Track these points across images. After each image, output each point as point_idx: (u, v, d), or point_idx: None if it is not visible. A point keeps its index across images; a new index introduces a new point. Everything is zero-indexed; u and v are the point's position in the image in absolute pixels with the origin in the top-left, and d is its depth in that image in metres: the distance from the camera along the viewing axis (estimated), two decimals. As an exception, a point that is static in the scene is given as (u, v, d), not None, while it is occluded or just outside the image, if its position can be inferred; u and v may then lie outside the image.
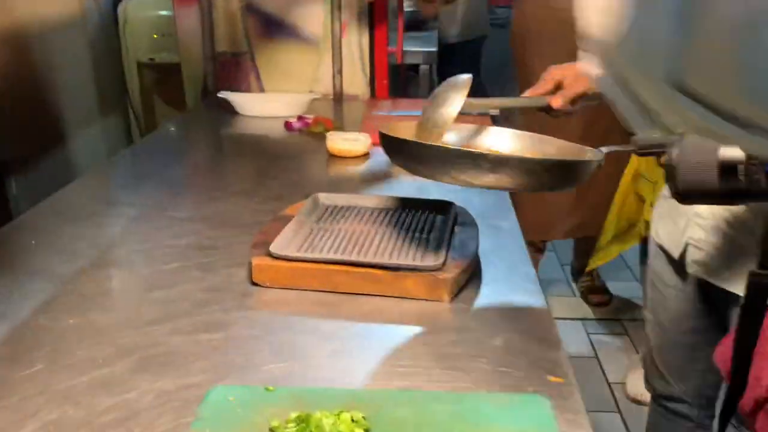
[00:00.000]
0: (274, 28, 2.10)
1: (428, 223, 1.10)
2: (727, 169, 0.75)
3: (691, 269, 1.19)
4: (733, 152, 0.76)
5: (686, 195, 0.81)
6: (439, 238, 1.02)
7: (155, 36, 2.53)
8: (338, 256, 0.97)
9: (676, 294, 1.31)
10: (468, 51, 3.52)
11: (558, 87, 1.11)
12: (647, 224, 1.91)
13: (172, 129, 1.91)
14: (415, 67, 2.93)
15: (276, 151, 1.69)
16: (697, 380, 1.37)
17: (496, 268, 1.02)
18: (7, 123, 1.71)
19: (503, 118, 1.91)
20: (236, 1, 2.08)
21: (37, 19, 1.90)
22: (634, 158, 1.93)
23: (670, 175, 0.80)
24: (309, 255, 0.97)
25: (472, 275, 0.98)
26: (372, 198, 1.18)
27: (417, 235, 1.05)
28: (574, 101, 1.11)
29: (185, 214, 1.23)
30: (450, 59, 3.29)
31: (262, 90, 2.15)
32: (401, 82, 2.79)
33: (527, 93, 1.13)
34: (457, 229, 1.06)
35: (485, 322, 0.88)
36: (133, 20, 2.56)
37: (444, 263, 0.94)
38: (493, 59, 3.48)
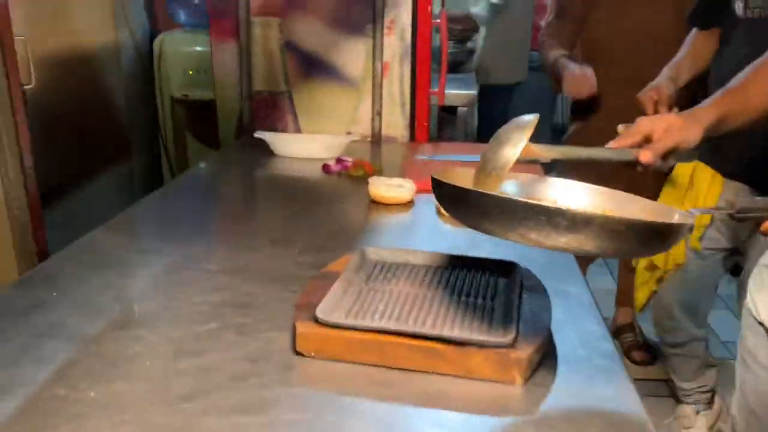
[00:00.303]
0: (314, 67, 2.02)
1: (490, 286, 0.98)
2: None
3: None
4: None
5: None
6: (506, 307, 0.90)
7: (190, 72, 2.46)
8: (394, 326, 0.85)
9: None
10: (504, 94, 3.44)
11: (647, 140, 0.99)
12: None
13: (203, 166, 1.82)
14: (452, 109, 2.83)
15: (314, 195, 1.58)
16: None
17: (571, 344, 0.89)
18: (50, 152, 1.63)
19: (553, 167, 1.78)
20: (276, 39, 2.00)
21: (76, 45, 1.83)
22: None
23: None
24: (361, 323, 0.85)
25: (546, 353, 0.85)
26: (424, 254, 1.06)
27: (480, 301, 0.93)
28: (665, 156, 0.98)
29: (219, 266, 1.12)
30: (487, 102, 3.21)
31: (299, 131, 2.06)
32: (438, 124, 2.69)
33: (613, 144, 1.00)
34: (524, 295, 0.93)
35: (567, 413, 0.75)
36: (169, 55, 2.50)
37: (515, 338, 0.81)
38: (525, 103, 3.39)
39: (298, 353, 0.84)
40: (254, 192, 1.70)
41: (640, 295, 1.90)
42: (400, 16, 1.95)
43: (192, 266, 1.12)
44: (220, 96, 2.10)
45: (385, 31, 1.95)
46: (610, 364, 0.85)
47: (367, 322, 0.85)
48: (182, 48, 2.52)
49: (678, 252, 1.73)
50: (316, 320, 0.85)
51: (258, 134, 1.89)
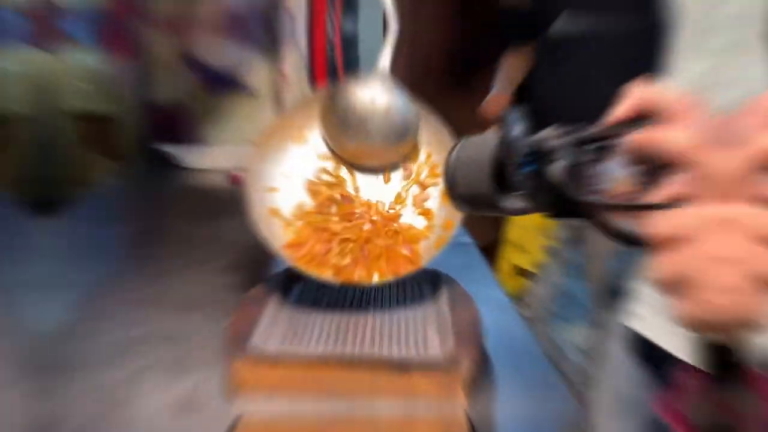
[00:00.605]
0: (215, 79, 1.84)
1: (416, 295, 0.89)
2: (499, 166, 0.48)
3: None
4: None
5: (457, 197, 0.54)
6: (439, 320, 0.81)
7: (89, 85, 2.19)
8: (332, 350, 0.74)
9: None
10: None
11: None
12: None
13: (110, 182, 1.61)
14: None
15: (226, 208, 1.42)
16: None
17: (501, 349, 0.82)
18: None
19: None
20: (175, 52, 1.80)
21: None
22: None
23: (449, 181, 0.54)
24: (299, 350, 0.74)
25: (483, 364, 0.78)
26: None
27: (411, 313, 0.84)
28: None
29: (137, 295, 0.96)
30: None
31: (204, 142, 1.88)
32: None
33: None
34: (451, 303, 0.85)
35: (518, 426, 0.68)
36: (66, 68, 2.21)
37: (455, 354, 0.73)
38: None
39: (231, 392, 0.72)
40: (162, 209, 1.51)
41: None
42: (297, 30, 1.82)
43: (107, 298, 0.96)
44: (120, 109, 1.87)
45: (283, 44, 1.81)
46: (542, 371, 0.79)
47: (305, 351, 0.74)
48: (80, 60, 2.24)
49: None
50: (250, 354, 0.72)
51: (162, 147, 1.70)
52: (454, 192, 0.52)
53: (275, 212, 0.91)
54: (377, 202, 0.90)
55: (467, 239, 1.22)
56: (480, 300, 0.92)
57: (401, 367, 0.71)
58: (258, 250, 0.98)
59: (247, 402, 0.70)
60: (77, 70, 2.20)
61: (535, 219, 1.77)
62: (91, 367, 0.77)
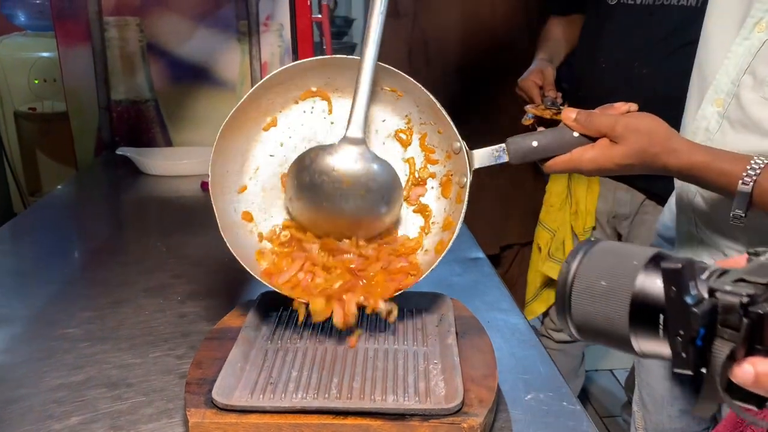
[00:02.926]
0: (182, 71, 1.79)
1: (418, 327, 0.83)
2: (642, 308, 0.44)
3: None
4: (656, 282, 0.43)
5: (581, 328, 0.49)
6: (444, 357, 0.75)
7: (36, 81, 2.14)
8: (313, 401, 0.68)
9: (661, 370, 1.12)
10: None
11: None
12: (544, 278, 1.74)
13: (61, 190, 1.55)
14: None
15: (193, 221, 1.37)
16: None
17: (522, 388, 0.76)
18: None
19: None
20: (135, 41, 1.75)
21: None
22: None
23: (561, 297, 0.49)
24: (272, 403, 0.68)
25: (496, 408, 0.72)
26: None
27: (411, 348, 0.78)
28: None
29: (83, 329, 0.90)
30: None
31: (169, 144, 1.82)
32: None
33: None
34: (459, 335, 0.79)
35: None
36: (9, 63, 2.17)
37: (463, 401, 0.67)
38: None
39: (193, 450, 0.66)
40: (120, 222, 1.46)
41: (537, 308, 1.85)
42: (277, 12, 1.77)
43: (47, 333, 0.90)
44: (73, 108, 1.82)
45: (262, 28, 1.75)
46: (567, 407, 0.73)
47: (279, 401, 0.68)
48: (24, 54, 2.20)
49: None
50: (214, 404, 0.66)
51: (121, 151, 1.65)
52: (573, 318, 0.47)
53: (249, 217, 0.85)
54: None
55: (478, 253, 1.16)
56: (494, 329, 0.87)
57: (399, 419, 0.65)
58: (230, 269, 0.92)
59: (210, 465, 0.64)
60: (22, 61, 2.15)
61: (568, 218, 1.71)
62: (25, 422, 0.71)
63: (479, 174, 0.81)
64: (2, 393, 0.77)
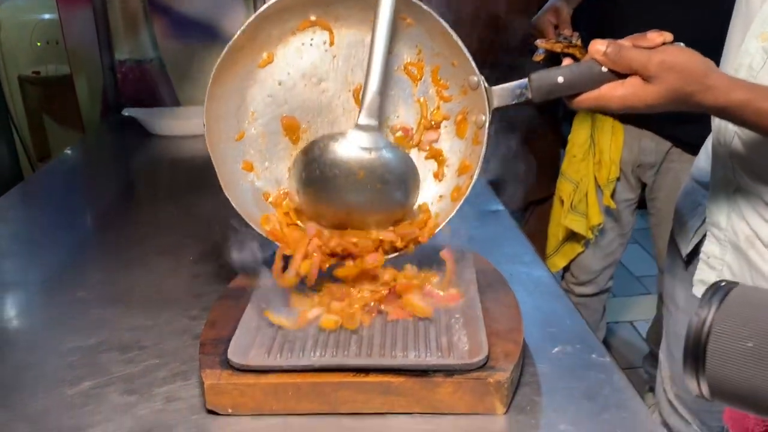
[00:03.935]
0: (186, 28, 1.74)
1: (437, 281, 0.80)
2: None
3: (700, 291, 0.96)
4: None
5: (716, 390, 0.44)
6: (466, 309, 0.73)
7: (38, 44, 2.10)
8: (333, 359, 0.66)
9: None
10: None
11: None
12: (566, 231, 1.70)
13: (68, 154, 1.53)
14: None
15: (204, 182, 1.33)
16: (719, 422, 1.14)
17: (549, 341, 0.73)
18: None
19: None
20: (137, -1, 1.70)
21: None
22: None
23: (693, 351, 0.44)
24: (289, 361, 0.65)
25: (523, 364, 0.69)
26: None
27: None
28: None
29: (94, 293, 0.89)
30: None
31: (176, 103, 1.78)
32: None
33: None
34: (482, 289, 0.76)
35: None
36: (10, 26, 2.12)
37: (488, 355, 0.64)
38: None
39: (210, 411, 0.64)
40: (130, 184, 1.43)
41: (559, 262, 1.81)
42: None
43: (59, 297, 0.88)
44: (76, 69, 1.78)
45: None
46: (596, 360, 0.70)
47: (297, 360, 0.66)
48: (25, 16, 2.15)
49: (594, 213, 1.64)
50: (229, 365, 0.64)
51: (127, 111, 1.61)
52: (708, 379, 0.41)
53: (249, 166, 0.80)
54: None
55: (497, 206, 1.12)
56: (517, 282, 0.84)
57: (422, 375, 0.63)
58: (245, 230, 0.90)
59: (225, 425, 0.63)
60: (23, 24, 2.10)
61: (591, 169, 1.66)
62: (38, 387, 0.69)
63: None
64: (14, 359, 0.75)
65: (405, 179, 0.76)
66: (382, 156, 0.74)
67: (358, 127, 0.73)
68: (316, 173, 0.74)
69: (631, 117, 1.56)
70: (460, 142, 0.79)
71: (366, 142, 0.73)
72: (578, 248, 1.74)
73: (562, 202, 1.71)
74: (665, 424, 1.20)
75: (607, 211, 1.66)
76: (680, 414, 1.16)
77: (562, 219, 1.70)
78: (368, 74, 0.72)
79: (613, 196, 1.64)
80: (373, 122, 0.73)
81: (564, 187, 1.70)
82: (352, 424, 0.63)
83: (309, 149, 0.76)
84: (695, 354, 0.42)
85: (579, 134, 1.66)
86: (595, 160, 1.62)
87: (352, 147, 0.73)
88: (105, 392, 0.68)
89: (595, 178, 1.63)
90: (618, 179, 1.63)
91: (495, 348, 0.66)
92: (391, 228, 0.76)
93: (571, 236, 1.73)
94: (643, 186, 1.66)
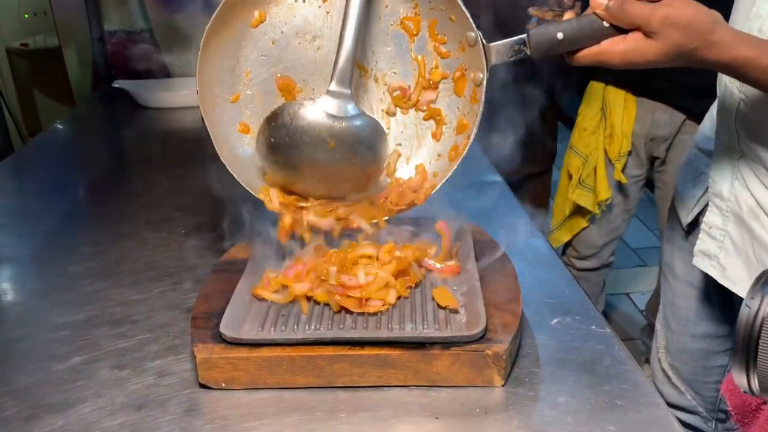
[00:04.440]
0: (177, -3, 1.70)
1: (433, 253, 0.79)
2: None
3: (700, 262, 0.94)
4: None
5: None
6: (465, 284, 0.71)
7: (26, 15, 2.06)
8: (328, 332, 0.64)
9: (688, 290, 1.08)
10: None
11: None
12: (573, 206, 1.68)
13: (58, 127, 1.50)
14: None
15: (196, 153, 1.30)
16: (713, 393, 1.14)
17: (548, 312, 0.72)
18: None
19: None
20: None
21: None
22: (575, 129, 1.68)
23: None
24: (283, 335, 0.64)
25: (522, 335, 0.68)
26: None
27: (428, 275, 0.74)
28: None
29: (85, 266, 0.87)
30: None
31: (168, 75, 1.75)
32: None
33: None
34: (480, 262, 0.75)
35: (567, 411, 0.58)
36: (-4, -2, 2.08)
37: (486, 327, 0.63)
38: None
39: (203, 386, 0.63)
40: (121, 156, 1.41)
41: (562, 236, 1.79)
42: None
43: (47, 271, 0.87)
44: (65, 41, 1.74)
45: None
46: (595, 331, 0.69)
47: (291, 333, 0.64)
48: (12, -13, 2.10)
49: (602, 188, 1.62)
50: (222, 338, 0.63)
51: (118, 83, 1.58)
52: (759, 373, 0.39)
53: (245, 128, 0.78)
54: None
55: (494, 177, 1.11)
56: (515, 253, 0.82)
57: (419, 347, 0.62)
58: (238, 202, 0.88)
59: (218, 400, 0.61)
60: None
61: (602, 142, 1.63)
62: (27, 361, 0.68)
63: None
64: (3, 333, 0.74)
65: (375, 147, 0.75)
66: (353, 125, 0.72)
67: (330, 93, 0.71)
68: (285, 139, 0.72)
69: (645, 89, 1.53)
70: (459, 99, 0.76)
71: (337, 109, 0.71)
72: (583, 223, 1.72)
73: (570, 176, 1.68)
74: (658, 393, 1.20)
75: (615, 186, 1.64)
76: (674, 383, 1.15)
77: (570, 193, 1.67)
78: (341, 40, 0.70)
79: (623, 171, 1.61)
80: (344, 90, 0.71)
81: (572, 161, 1.67)
82: (347, 397, 0.61)
83: (278, 113, 0.73)
84: (746, 347, 0.40)
85: (590, 107, 1.63)
86: (606, 133, 1.59)
87: (323, 115, 0.71)
88: (95, 367, 0.67)
89: (606, 152, 1.60)
90: (630, 153, 1.61)
91: (493, 319, 0.64)
92: (387, 197, 0.75)
93: (577, 211, 1.71)
94: (652, 162, 1.64)
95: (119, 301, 0.78)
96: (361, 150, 0.73)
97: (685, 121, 1.51)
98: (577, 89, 1.71)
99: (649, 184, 1.73)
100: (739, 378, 0.41)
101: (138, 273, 0.84)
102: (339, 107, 0.71)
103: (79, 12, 1.69)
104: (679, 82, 1.46)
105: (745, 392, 0.41)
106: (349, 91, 0.71)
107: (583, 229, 1.73)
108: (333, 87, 0.71)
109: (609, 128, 1.59)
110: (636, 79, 1.53)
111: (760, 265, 0.86)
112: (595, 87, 1.62)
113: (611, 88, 1.58)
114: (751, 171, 0.85)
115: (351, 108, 0.71)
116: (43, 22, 1.98)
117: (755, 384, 0.40)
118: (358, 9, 0.69)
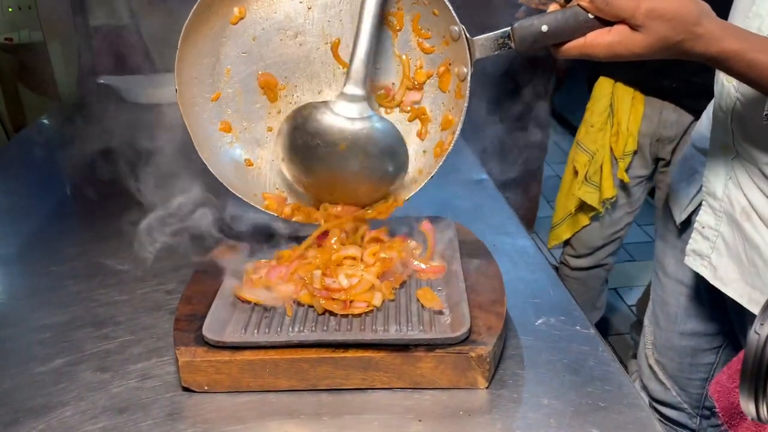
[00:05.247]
0: (163, -10, 1.68)
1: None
2: None
3: (692, 262, 0.95)
4: None
5: None
6: (450, 285, 0.71)
7: (10, 9, 2.04)
8: (310, 334, 0.64)
9: (678, 288, 1.08)
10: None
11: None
12: (578, 202, 1.68)
13: (42, 123, 1.49)
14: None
15: (182, 151, 1.31)
16: (698, 390, 1.15)
17: (533, 313, 0.72)
18: None
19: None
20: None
21: None
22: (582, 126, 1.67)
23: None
24: (266, 337, 0.64)
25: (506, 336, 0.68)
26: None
27: (412, 276, 0.74)
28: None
29: (68, 266, 0.86)
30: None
31: (154, 70, 1.73)
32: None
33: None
34: (465, 263, 0.75)
35: (551, 413, 0.58)
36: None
37: (470, 329, 0.63)
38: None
39: (186, 389, 0.62)
40: (108, 153, 1.39)
41: (563, 233, 1.78)
42: None
43: (30, 271, 0.86)
44: (51, 37, 1.72)
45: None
46: (580, 332, 0.69)
47: (274, 336, 0.64)
48: (-4, -20, 2.07)
49: (607, 186, 1.62)
50: (205, 341, 0.62)
51: (103, 79, 1.57)
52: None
53: (227, 127, 0.78)
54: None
55: (481, 174, 1.10)
56: (501, 253, 0.82)
57: (403, 350, 0.62)
58: (221, 198, 0.87)
59: (201, 403, 0.61)
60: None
61: (608, 139, 1.62)
62: (8, 364, 0.67)
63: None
64: (-16, 335, 0.73)
65: (391, 151, 0.73)
66: (366, 127, 0.71)
67: (344, 96, 0.71)
68: (299, 142, 0.72)
69: (654, 88, 1.53)
70: (443, 95, 0.76)
71: (351, 112, 0.71)
72: (585, 221, 1.71)
73: (576, 172, 1.68)
74: (644, 388, 1.21)
75: (620, 186, 1.64)
76: (660, 380, 1.16)
77: (575, 190, 1.66)
78: (356, 40, 0.69)
79: (627, 171, 1.61)
80: (359, 92, 0.70)
81: (579, 157, 1.66)
82: (331, 400, 0.61)
83: (293, 116, 0.73)
84: (755, 375, 0.39)
85: (598, 103, 1.62)
86: (613, 131, 1.59)
87: (336, 117, 0.71)
88: (78, 369, 0.66)
89: (611, 150, 1.60)
90: (635, 152, 1.61)
91: (477, 321, 0.64)
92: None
93: (579, 208, 1.71)
94: (657, 163, 1.63)
95: (103, 302, 0.77)
96: (374, 152, 0.72)
97: (692, 122, 1.51)
98: (587, 85, 1.71)
99: (651, 190, 1.74)
100: (747, 405, 0.40)
101: (122, 274, 0.84)
102: (353, 109, 0.71)
103: (63, 6, 1.68)
104: (688, 82, 1.46)
105: (753, 420, 0.40)
106: (363, 93, 0.71)
107: (584, 227, 1.73)
108: (348, 89, 0.70)
109: (616, 125, 1.58)
110: (645, 77, 1.52)
111: (752, 266, 0.86)
112: (604, 83, 1.61)
113: (620, 85, 1.57)
114: (745, 171, 0.85)
115: (364, 110, 0.71)
116: (28, 16, 1.96)
117: (764, 411, 0.40)
118: (375, 9, 0.69)
